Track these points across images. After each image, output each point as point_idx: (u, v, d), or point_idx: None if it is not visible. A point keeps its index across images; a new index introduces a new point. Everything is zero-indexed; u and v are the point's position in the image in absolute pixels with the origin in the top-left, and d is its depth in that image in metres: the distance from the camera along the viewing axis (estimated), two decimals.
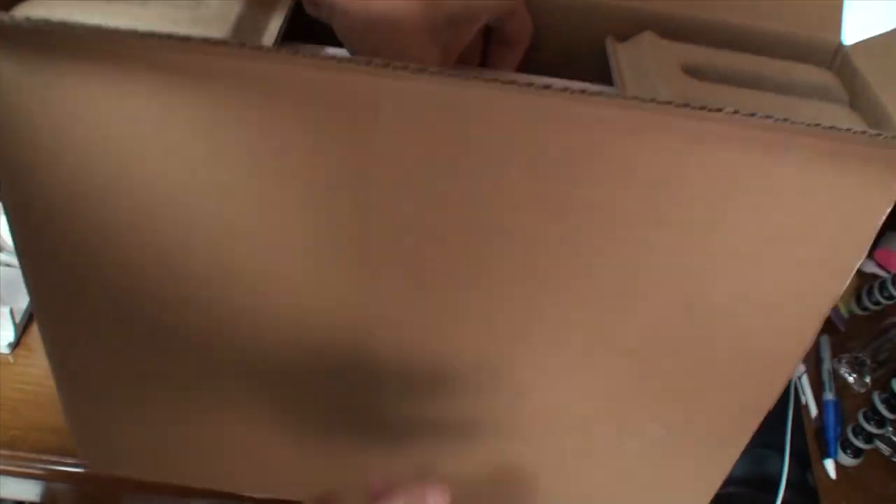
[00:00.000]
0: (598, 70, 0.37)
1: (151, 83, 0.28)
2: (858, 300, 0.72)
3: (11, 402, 0.60)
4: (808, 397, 0.68)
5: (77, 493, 0.60)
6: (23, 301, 0.65)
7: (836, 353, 0.71)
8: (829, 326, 0.73)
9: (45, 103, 0.28)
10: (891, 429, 0.63)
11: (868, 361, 0.69)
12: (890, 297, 0.70)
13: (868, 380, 0.69)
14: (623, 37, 0.37)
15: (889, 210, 0.30)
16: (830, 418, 0.65)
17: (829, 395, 0.67)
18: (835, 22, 0.37)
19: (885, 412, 0.63)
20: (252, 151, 0.29)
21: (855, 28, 0.38)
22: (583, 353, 0.36)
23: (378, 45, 0.29)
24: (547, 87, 0.26)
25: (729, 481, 0.60)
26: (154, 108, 0.28)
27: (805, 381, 0.68)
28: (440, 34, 0.30)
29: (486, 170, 0.29)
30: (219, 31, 0.31)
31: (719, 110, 0.26)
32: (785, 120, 0.27)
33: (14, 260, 0.68)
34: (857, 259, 0.31)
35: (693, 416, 0.39)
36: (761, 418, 0.38)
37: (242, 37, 0.32)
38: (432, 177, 0.29)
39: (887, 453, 0.64)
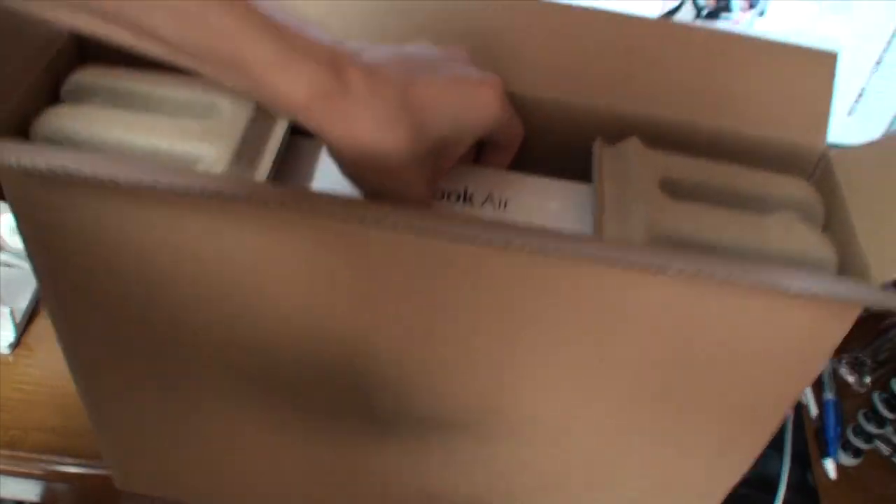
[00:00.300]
0: (587, 167, 0.38)
1: (162, 202, 0.32)
2: None
3: (11, 402, 0.60)
4: (808, 397, 0.68)
5: (77, 493, 0.60)
6: (23, 301, 0.65)
7: (836, 353, 0.70)
8: None
9: (72, 214, 0.33)
10: (891, 429, 0.63)
11: (868, 361, 0.69)
12: None
13: (868, 380, 0.69)
14: (612, 137, 0.38)
15: (838, 342, 0.34)
16: (830, 418, 0.65)
17: (829, 395, 0.67)
18: (821, 129, 0.38)
19: (885, 412, 0.63)
20: (256, 256, 0.33)
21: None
22: (560, 430, 0.40)
23: (367, 174, 0.32)
24: (519, 232, 0.30)
25: None
26: (166, 217, 0.32)
27: None
28: (427, 160, 0.32)
29: (460, 291, 0.34)
30: (228, 142, 0.34)
31: (670, 266, 0.29)
32: (729, 276, 0.30)
33: (14, 260, 0.68)
34: (809, 377, 0.35)
35: (664, 484, 0.41)
36: (730, 489, 0.42)
37: (249, 144, 0.35)
38: (418, 291, 0.34)
39: (887, 453, 0.64)
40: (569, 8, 0.39)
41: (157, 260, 0.34)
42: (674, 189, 0.36)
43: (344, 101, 0.29)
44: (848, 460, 0.63)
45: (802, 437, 0.64)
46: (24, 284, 0.67)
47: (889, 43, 0.55)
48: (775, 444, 0.62)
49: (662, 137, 0.38)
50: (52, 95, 0.37)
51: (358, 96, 0.29)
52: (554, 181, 0.39)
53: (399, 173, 0.31)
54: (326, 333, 0.36)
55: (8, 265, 0.68)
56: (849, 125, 0.60)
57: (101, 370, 0.41)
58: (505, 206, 0.37)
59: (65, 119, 0.35)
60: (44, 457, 0.57)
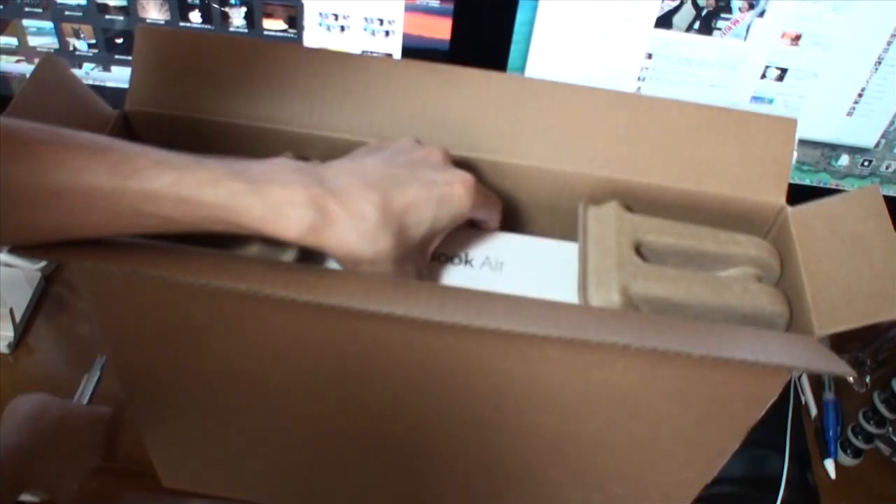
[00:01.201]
0: (572, 222, 0.44)
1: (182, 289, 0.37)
2: None
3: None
4: (808, 397, 0.68)
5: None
6: (23, 301, 0.65)
7: (836, 353, 0.70)
8: None
9: (123, 299, 0.40)
10: (890, 429, 0.63)
11: (868, 361, 0.69)
12: None
13: (868, 380, 0.69)
14: (594, 197, 0.44)
15: (790, 376, 0.38)
16: (830, 418, 0.65)
17: (829, 395, 0.67)
18: (779, 188, 0.43)
19: (884, 412, 0.63)
20: (281, 334, 0.39)
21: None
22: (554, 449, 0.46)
23: (364, 271, 0.38)
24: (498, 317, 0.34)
25: (728, 481, 0.60)
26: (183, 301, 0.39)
27: (805, 380, 0.69)
28: (411, 254, 0.38)
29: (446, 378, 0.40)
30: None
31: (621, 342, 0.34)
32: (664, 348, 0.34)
33: (14, 260, 0.68)
34: (761, 408, 0.39)
35: (643, 485, 0.47)
36: (702, 486, 0.46)
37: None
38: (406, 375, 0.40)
39: (887, 453, 0.64)
40: (553, 84, 0.44)
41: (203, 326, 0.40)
42: (646, 251, 0.42)
43: (329, 229, 0.35)
44: (848, 460, 0.63)
45: (802, 437, 0.64)
46: (24, 284, 0.67)
47: (889, 43, 0.55)
48: (775, 444, 0.62)
49: (637, 198, 0.44)
50: None
51: (340, 222, 0.36)
52: (544, 241, 0.45)
53: (387, 271, 0.37)
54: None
55: (8, 265, 0.68)
56: (849, 125, 0.60)
57: (154, 402, 0.47)
58: (501, 267, 0.43)
59: None
60: None
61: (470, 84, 0.44)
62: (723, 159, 0.43)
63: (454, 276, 0.42)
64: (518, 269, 0.43)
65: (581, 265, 0.41)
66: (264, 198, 0.34)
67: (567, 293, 0.42)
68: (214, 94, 0.43)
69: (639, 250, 0.42)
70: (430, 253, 0.40)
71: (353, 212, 0.36)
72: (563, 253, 0.44)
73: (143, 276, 0.34)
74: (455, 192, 0.39)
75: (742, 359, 0.34)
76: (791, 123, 0.43)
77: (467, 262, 0.43)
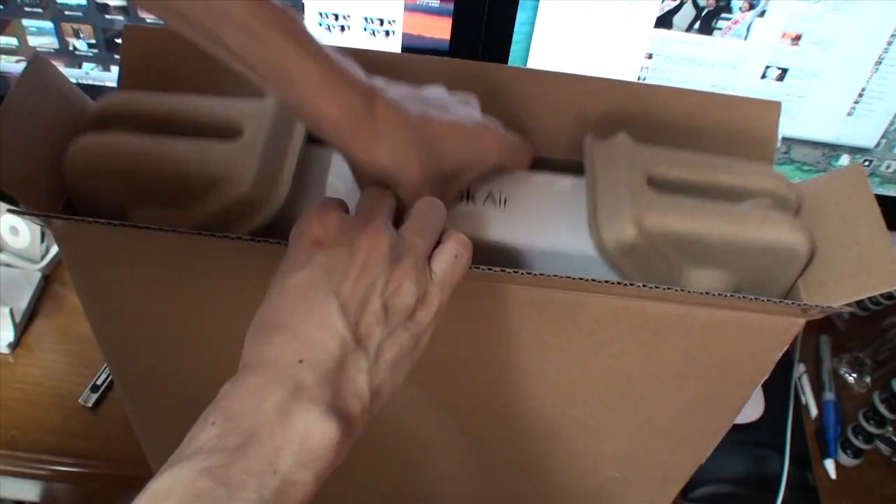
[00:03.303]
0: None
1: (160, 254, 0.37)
2: (859, 300, 0.72)
3: (11, 402, 0.60)
4: (808, 397, 0.68)
5: (77, 493, 0.60)
6: (23, 301, 0.65)
7: (836, 353, 0.71)
8: (829, 326, 0.73)
9: (118, 290, 0.40)
10: (891, 429, 0.63)
11: (868, 361, 0.69)
12: (890, 298, 0.70)
13: (868, 380, 0.69)
14: (604, 129, 0.42)
15: (782, 352, 0.38)
16: (830, 418, 0.65)
17: (829, 395, 0.67)
18: (766, 164, 0.42)
19: (885, 412, 0.63)
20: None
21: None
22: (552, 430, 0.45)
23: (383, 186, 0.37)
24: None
25: (728, 481, 0.60)
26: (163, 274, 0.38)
27: (805, 381, 0.68)
28: (434, 185, 0.37)
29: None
30: (249, 164, 0.38)
31: (632, 284, 0.35)
32: (681, 290, 0.35)
33: (14, 260, 0.68)
34: (752, 386, 0.40)
35: (638, 468, 0.47)
36: (696, 467, 0.46)
37: (268, 164, 0.38)
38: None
39: (887, 453, 0.64)
40: (559, 75, 0.44)
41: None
42: (660, 183, 0.39)
43: (369, 126, 0.34)
44: (848, 460, 0.63)
45: (802, 437, 0.64)
46: (24, 284, 0.67)
47: (889, 43, 0.55)
48: (775, 445, 0.62)
49: (645, 126, 0.42)
50: None
51: (381, 124, 0.34)
52: (549, 175, 0.42)
53: (410, 189, 0.36)
54: None
55: (8, 265, 0.68)
56: (849, 125, 0.60)
57: (151, 401, 0.47)
58: (504, 203, 0.40)
59: (98, 149, 0.38)
60: (44, 457, 0.58)
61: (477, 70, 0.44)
62: (709, 142, 0.42)
63: (455, 214, 0.40)
64: (523, 205, 0.40)
65: (591, 198, 0.39)
66: (329, 68, 0.33)
67: (576, 230, 0.39)
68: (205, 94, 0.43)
69: (651, 183, 0.39)
70: (453, 194, 0.39)
71: (395, 121, 0.35)
72: (569, 189, 0.41)
73: (141, 259, 0.34)
74: (485, 139, 0.38)
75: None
76: (775, 106, 0.43)
77: (469, 197, 0.40)
